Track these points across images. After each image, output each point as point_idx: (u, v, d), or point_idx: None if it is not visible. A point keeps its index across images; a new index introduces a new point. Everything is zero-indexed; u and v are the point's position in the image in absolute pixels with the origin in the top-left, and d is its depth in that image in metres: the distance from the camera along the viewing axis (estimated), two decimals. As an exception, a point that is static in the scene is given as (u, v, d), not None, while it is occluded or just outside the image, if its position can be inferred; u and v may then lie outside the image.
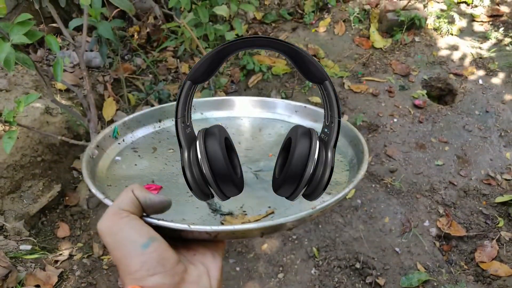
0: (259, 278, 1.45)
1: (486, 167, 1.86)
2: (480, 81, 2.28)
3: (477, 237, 1.57)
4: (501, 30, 2.56)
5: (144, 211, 0.37)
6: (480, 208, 1.67)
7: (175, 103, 0.67)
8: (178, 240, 0.39)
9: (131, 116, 0.64)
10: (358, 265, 1.48)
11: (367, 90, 2.21)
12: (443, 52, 2.46)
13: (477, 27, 2.63)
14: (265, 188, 0.55)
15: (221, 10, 1.92)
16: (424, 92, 2.23)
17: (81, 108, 1.78)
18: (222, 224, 0.47)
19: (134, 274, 0.32)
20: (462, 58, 2.43)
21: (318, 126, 0.65)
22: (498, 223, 1.61)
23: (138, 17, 2.36)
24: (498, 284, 1.42)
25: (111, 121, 1.91)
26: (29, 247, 1.41)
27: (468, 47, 2.48)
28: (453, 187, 1.77)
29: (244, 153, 0.63)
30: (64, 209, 1.61)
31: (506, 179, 1.79)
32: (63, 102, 1.76)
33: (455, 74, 2.32)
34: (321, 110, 0.64)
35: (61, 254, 1.44)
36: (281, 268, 1.48)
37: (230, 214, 0.49)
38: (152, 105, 2.02)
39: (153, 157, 0.61)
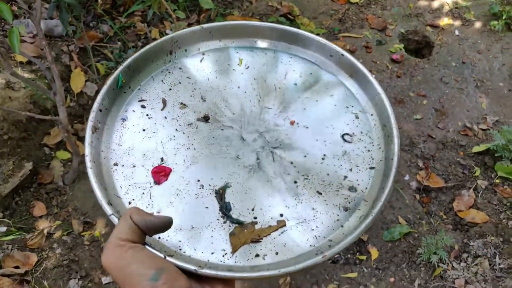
0: None
1: (463, 118, 1.87)
2: (457, 32, 2.25)
3: (455, 187, 1.60)
4: (476, -22, 2.51)
5: (146, 234, 0.37)
6: (458, 159, 1.70)
7: (189, 29, 0.61)
8: None
9: (137, 54, 0.56)
10: (340, 223, 1.50)
11: (344, 46, 2.16)
12: (420, 3, 2.41)
13: (453, -25, 2.57)
14: (281, 181, 0.50)
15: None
16: (402, 46, 2.19)
17: (46, 80, 1.69)
18: (231, 236, 0.45)
19: None
20: (439, 8, 2.39)
21: (352, 84, 0.58)
22: (475, 172, 1.64)
23: (100, -20, 2.22)
24: (475, 231, 1.46)
25: (80, 93, 1.83)
26: (4, 228, 1.37)
27: (444, -3, 2.44)
28: (432, 140, 1.78)
29: (264, 113, 0.55)
30: (39, 187, 1.56)
31: (482, 129, 1.81)
32: (26, 75, 1.66)
33: (432, 26, 2.29)
34: (359, 65, 0.58)
35: (39, 233, 1.40)
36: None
37: (240, 223, 0.46)
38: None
39: (162, 117, 0.54)
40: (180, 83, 0.58)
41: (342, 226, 0.46)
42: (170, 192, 0.48)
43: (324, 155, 0.52)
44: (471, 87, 2.01)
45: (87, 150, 0.49)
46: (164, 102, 0.56)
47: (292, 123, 0.55)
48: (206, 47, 0.62)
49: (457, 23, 2.31)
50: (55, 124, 1.69)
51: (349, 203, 0.48)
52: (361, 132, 0.54)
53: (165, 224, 0.38)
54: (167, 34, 2.16)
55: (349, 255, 1.43)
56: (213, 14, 2.26)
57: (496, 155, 1.63)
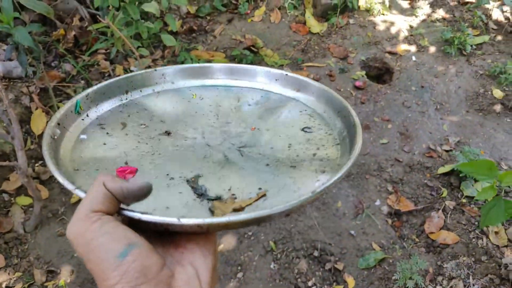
0: (217, 280, 1.40)
1: (427, 140, 1.93)
2: (414, 58, 2.36)
3: (425, 210, 1.63)
4: (427, 7, 2.66)
5: (122, 202, 0.33)
6: (425, 181, 1.73)
7: (144, 71, 0.64)
8: (164, 234, 0.35)
9: (94, 87, 0.59)
10: (316, 253, 1.48)
11: (308, 76, 2.21)
12: (377, 32, 2.51)
13: (406, 5, 2.72)
14: (253, 166, 0.51)
15: (150, 7, 1.83)
16: (363, 73, 2.27)
17: (4, 124, 1.63)
18: (211, 211, 0.42)
19: None
20: (395, 36, 2.50)
21: (301, 96, 0.64)
22: (442, 193, 1.67)
23: (62, 20, 2.20)
24: (447, 252, 1.48)
25: (42, 135, 1.76)
26: (-42, 285, 1.27)
27: (399, 26, 2.56)
28: (399, 163, 1.82)
29: (224, 127, 0.59)
30: (-3, 237, 1.47)
31: (445, 150, 1.86)
32: (-18, 120, 1.59)
33: (390, 53, 2.39)
34: (304, 79, 0.63)
35: (-3, 287, 1.31)
36: (239, 267, 1.44)
37: (218, 198, 0.44)
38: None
39: (124, 134, 0.55)
40: (137, 112, 0.61)
41: (323, 184, 0.45)
42: None
43: (290, 144, 0.55)
44: (431, 110, 2.09)
45: (45, 148, 0.46)
46: (124, 124, 0.58)
47: (252, 129, 0.58)
48: (160, 88, 0.66)
49: (414, 49, 2.42)
50: (15, 169, 1.62)
51: (325, 167, 0.50)
52: (319, 124, 0.59)
53: (144, 190, 0.34)
54: (131, 71, 2.15)
55: (325, 286, 1.40)
56: (177, 49, 2.27)
57: (460, 175, 1.67)
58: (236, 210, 0.42)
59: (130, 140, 0.54)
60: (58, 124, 0.52)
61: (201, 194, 0.45)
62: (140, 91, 0.64)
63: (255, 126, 0.58)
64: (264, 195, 0.45)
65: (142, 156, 0.51)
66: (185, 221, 0.34)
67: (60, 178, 0.41)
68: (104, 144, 0.53)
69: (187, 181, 0.47)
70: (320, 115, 0.60)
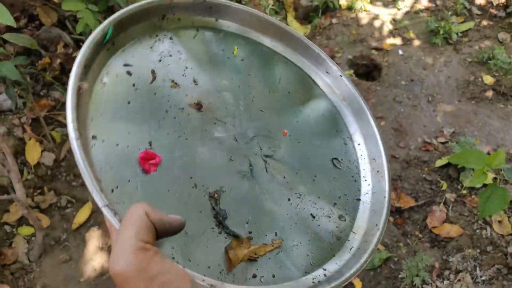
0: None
1: (422, 134, 1.93)
2: (400, 52, 2.36)
3: (426, 204, 1.63)
4: (410, -1, 2.67)
5: (159, 236, 0.31)
6: (424, 176, 1.73)
7: None
8: None
9: (130, 8, 0.48)
10: (321, 258, 1.48)
11: (298, 80, 2.22)
12: (361, 29, 2.52)
13: None
14: (275, 196, 0.47)
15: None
16: (352, 71, 2.27)
17: (-1, 158, 1.62)
18: (229, 250, 0.41)
19: None
20: (380, 31, 2.51)
21: (345, 109, 0.57)
22: (442, 186, 1.67)
23: (46, 48, 2.20)
24: (452, 246, 1.48)
25: (38, 164, 1.76)
26: (-34, 326, 1.27)
27: (382, 20, 2.57)
28: (396, 160, 1.82)
29: (257, 118, 0.52)
30: (2, 269, 1.47)
31: (441, 143, 1.87)
32: (-24, 156, 1.59)
33: (377, 49, 2.39)
34: (354, 91, 0.56)
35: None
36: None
37: (236, 237, 0.42)
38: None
39: (151, 93, 0.47)
40: (171, 55, 0.52)
41: (334, 256, 0.46)
42: (160, 185, 0.42)
43: (315, 176, 0.50)
44: (423, 102, 2.09)
45: (70, 117, 0.37)
46: (154, 74, 0.50)
47: (284, 134, 0.53)
48: (201, 22, 0.57)
49: (399, 43, 2.42)
50: (14, 201, 1.62)
51: (340, 232, 0.47)
52: (349, 160, 0.54)
53: (181, 226, 0.33)
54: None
55: (334, 291, 1.40)
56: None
57: (458, 166, 1.68)
58: (251, 259, 0.42)
59: (157, 105, 0.47)
60: (85, 66, 0.42)
61: (220, 222, 0.43)
62: (179, 19, 0.55)
63: (287, 131, 0.53)
64: (279, 246, 0.44)
65: (168, 136, 0.45)
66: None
67: (93, 189, 0.35)
68: (129, 103, 0.46)
69: (210, 196, 0.44)
70: (352, 146, 0.55)
